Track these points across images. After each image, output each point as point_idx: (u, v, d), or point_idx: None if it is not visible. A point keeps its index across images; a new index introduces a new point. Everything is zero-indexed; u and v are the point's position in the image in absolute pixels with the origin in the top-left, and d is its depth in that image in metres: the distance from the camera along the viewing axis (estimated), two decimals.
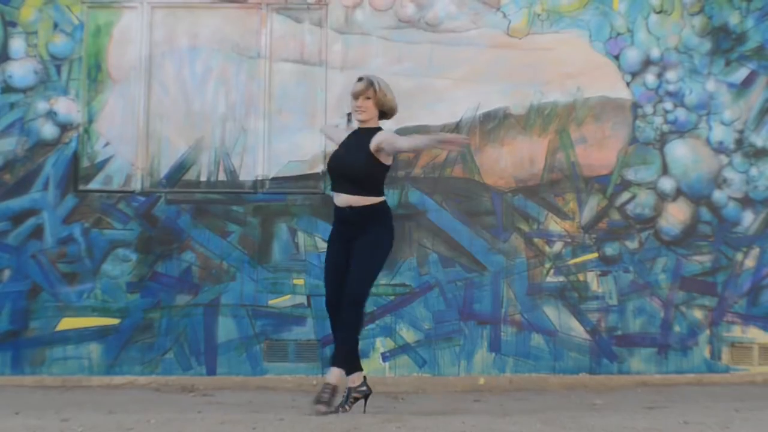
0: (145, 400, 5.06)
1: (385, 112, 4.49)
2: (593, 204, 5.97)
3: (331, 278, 4.45)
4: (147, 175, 5.89)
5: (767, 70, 6.10)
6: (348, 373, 4.39)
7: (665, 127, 6.03)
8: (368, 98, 4.40)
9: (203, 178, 5.92)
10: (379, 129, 4.45)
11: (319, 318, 5.81)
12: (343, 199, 4.39)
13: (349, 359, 4.40)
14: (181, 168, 5.91)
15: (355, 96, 4.42)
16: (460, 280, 5.88)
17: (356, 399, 4.41)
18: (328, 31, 5.99)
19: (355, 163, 4.36)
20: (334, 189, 4.47)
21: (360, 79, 4.46)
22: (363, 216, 4.37)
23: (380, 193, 4.43)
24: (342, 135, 4.59)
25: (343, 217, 4.43)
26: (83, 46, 5.93)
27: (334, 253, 4.49)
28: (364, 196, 4.36)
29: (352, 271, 4.35)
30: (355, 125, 4.52)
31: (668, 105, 6.03)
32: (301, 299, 5.84)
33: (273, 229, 5.87)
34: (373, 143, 4.33)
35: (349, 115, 4.61)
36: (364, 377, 4.44)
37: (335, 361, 4.39)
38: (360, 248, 4.38)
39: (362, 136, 4.42)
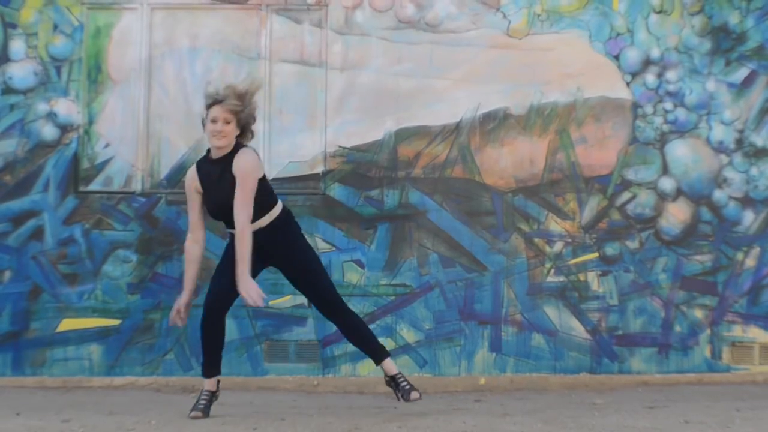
0: (145, 401, 5.06)
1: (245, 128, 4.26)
2: (593, 204, 5.97)
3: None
4: (147, 176, 5.89)
5: (767, 70, 6.10)
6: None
7: (665, 127, 6.03)
8: (228, 122, 4.12)
9: None
10: (233, 153, 4.20)
11: (320, 319, 5.79)
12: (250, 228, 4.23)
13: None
14: (181, 169, 5.90)
15: (214, 119, 4.10)
16: (460, 280, 5.88)
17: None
18: (328, 32, 5.99)
19: (225, 202, 4.20)
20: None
21: (214, 102, 4.12)
22: (275, 232, 4.33)
23: (273, 201, 4.34)
24: (191, 175, 4.30)
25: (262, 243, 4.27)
26: (83, 48, 5.93)
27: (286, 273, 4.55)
28: (262, 218, 4.28)
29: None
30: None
31: (668, 105, 6.03)
32: (302, 300, 5.82)
33: None
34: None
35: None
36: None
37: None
38: (297, 267, 4.46)
39: (219, 166, 4.18)
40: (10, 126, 5.87)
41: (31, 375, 5.74)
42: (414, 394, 4.30)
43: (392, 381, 4.41)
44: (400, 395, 4.37)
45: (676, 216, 5.99)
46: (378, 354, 4.46)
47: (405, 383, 4.37)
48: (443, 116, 5.95)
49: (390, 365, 4.44)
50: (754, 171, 6.04)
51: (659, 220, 5.98)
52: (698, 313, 5.95)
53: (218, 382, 4.41)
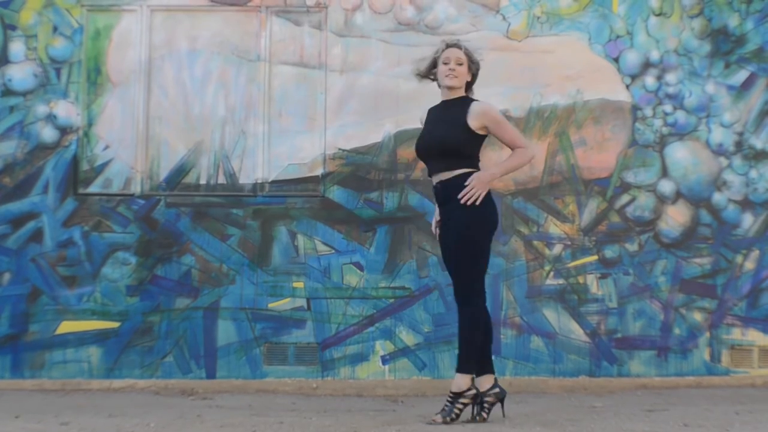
0: (144, 404, 5.06)
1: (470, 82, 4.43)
2: (593, 206, 5.97)
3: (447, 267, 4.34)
4: (146, 178, 5.89)
5: (767, 72, 6.10)
6: (478, 375, 4.24)
7: (665, 130, 6.03)
8: (461, 64, 4.32)
9: (203, 181, 5.91)
10: (469, 100, 4.36)
11: (319, 321, 5.82)
12: (434, 178, 4.30)
13: (475, 361, 4.22)
14: (180, 171, 5.91)
15: (447, 60, 4.31)
16: None
17: (491, 404, 4.23)
18: (328, 34, 5.99)
19: (437, 136, 4.28)
20: (429, 172, 4.36)
21: (447, 45, 4.36)
22: (449, 191, 4.22)
23: (470, 165, 4.27)
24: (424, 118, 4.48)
25: (436, 196, 4.35)
26: (83, 50, 5.93)
27: (440, 241, 4.39)
28: (452, 170, 4.24)
29: (451, 266, 4.29)
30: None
31: (668, 107, 6.03)
32: (301, 302, 5.83)
33: (273, 232, 5.87)
34: (477, 121, 4.24)
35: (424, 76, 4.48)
36: (495, 379, 4.29)
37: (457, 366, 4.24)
38: (448, 237, 4.27)
39: (450, 107, 4.34)
40: (10, 128, 5.87)
41: (30, 378, 5.73)
42: (434, 418, 4.15)
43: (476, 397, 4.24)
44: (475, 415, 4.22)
45: (675, 219, 5.98)
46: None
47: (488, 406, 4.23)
48: None
49: (456, 380, 4.21)
50: (753, 174, 6.04)
51: (658, 222, 5.98)
52: (697, 316, 5.94)
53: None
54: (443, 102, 4.42)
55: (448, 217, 4.25)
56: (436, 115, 4.41)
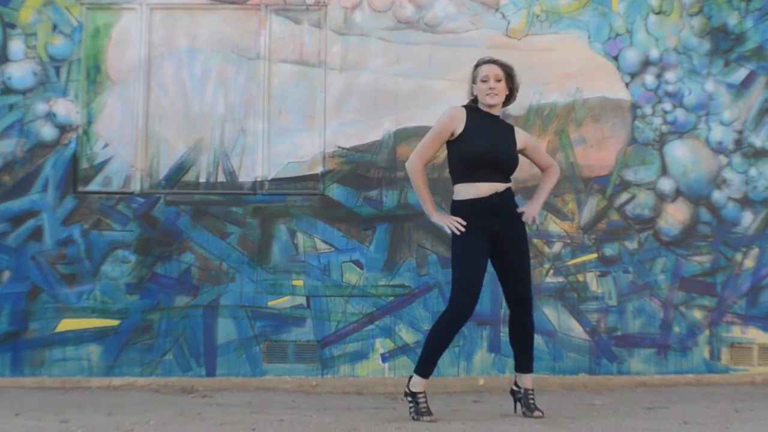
0: (144, 402, 5.07)
1: (507, 99, 4.47)
2: (592, 204, 5.97)
3: (479, 278, 4.24)
4: (146, 177, 5.89)
5: (766, 71, 6.11)
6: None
7: (664, 128, 6.03)
8: (499, 80, 4.35)
9: (202, 180, 5.91)
10: (509, 124, 4.51)
11: (319, 319, 5.82)
12: (488, 188, 4.29)
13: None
14: (180, 169, 5.91)
15: (486, 78, 4.33)
16: None
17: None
18: (327, 32, 5.99)
19: (512, 153, 4.39)
20: (473, 179, 4.30)
21: (486, 61, 4.39)
22: (509, 203, 4.36)
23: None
24: (458, 115, 4.33)
25: (488, 208, 4.27)
26: (82, 48, 5.93)
27: (482, 252, 4.26)
28: (508, 183, 4.39)
29: (521, 272, 4.33)
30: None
31: (667, 105, 6.03)
32: (301, 300, 5.84)
33: (272, 230, 5.87)
34: (521, 143, 4.45)
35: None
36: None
37: (527, 368, 4.41)
38: (518, 244, 4.34)
39: (499, 123, 4.42)
40: (9, 126, 5.87)
41: (30, 375, 5.73)
42: (537, 413, 4.32)
43: (522, 393, 4.41)
44: (524, 409, 4.38)
45: (675, 217, 5.99)
46: (525, 366, 4.42)
47: (533, 401, 4.39)
48: None
49: (528, 380, 4.40)
50: (752, 172, 6.05)
51: (658, 220, 5.98)
52: (697, 314, 5.95)
53: None
54: (489, 115, 4.40)
55: (507, 227, 4.31)
56: (490, 128, 4.36)
